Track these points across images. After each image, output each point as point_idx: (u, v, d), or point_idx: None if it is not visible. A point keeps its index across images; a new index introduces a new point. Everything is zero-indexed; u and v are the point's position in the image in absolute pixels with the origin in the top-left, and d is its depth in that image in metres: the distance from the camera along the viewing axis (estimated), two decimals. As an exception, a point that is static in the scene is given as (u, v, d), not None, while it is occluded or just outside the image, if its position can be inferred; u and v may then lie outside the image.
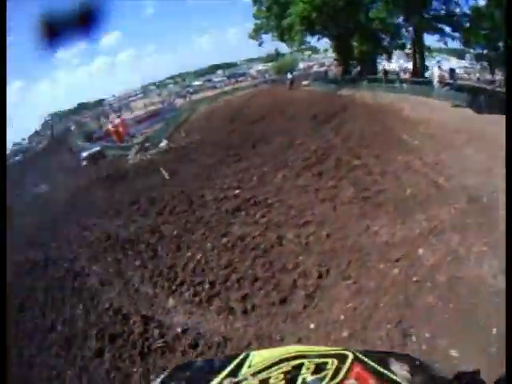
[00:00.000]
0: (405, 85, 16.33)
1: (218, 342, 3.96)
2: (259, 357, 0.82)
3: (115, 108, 28.88)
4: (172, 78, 35.82)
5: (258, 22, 21.95)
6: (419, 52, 18.36)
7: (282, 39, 21.13)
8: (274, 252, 5.33)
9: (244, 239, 5.78)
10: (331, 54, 26.47)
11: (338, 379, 0.68)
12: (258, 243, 5.57)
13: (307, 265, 4.93)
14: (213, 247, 5.72)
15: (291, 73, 24.39)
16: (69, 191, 11.17)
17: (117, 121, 17.58)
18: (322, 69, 26.41)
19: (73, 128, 23.29)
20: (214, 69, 34.80)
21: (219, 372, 0.78)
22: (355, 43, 19.78)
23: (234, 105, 18.74)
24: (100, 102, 32.90)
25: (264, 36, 22.69)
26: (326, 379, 0.69)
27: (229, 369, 0.78)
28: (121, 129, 16.89)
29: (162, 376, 0.88)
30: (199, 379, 0.80)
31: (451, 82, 14.88)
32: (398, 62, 22.23)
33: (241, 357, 0.82)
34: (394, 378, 0.70)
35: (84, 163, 14.50)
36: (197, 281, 4.99)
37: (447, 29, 17.01)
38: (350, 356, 0.76)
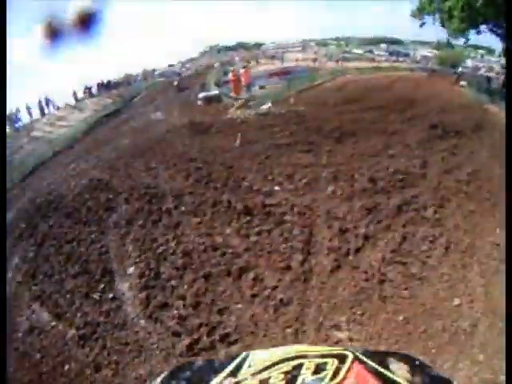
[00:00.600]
0: None
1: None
2: (259, 357, 0.82)
3: (269, 55, 29.24)
4: (336, 39, 34.87)
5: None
6: None
7: (442, 24, 18.53)
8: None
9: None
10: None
11: (338, 379, 0.69)
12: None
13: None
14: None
15: (457, 67, 22.85)
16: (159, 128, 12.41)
17: (241, 71, 17.95)
18: (490, 74, 23.09)
19: (216, 65, 25.15)
20: (380, 41, 33.26)
21: (219, 372, 0.78)
22: None
23: (369, 85, 17.54)
24: (258, 46, 33.74)
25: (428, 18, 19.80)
26: (326, 379, 0.69)
27: (229, 369, 0.79)
28: (243, 79, 17.21)
29: (162, 376, 0.87)
30: (199, 379, 0.80)
31: None
32: None
33: (241, 357, 0.82)
34: (394, 377, 0.70)
35: (199, 102, 15.93)
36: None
37: None
38: (350, 356, 0.75)
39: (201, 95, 16.60)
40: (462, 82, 19.35)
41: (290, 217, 6.70)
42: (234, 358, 0.82)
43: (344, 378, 0.69)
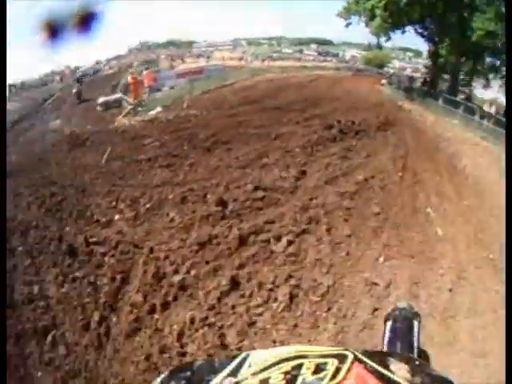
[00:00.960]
0: (486, 121, 12.49)
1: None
2: (259, 357, 0.81)
3: (197, 53, 27.90)
4: (269, 39, 33.33)
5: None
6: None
7: (366, 24, 17.74)
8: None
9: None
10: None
11: (337, 379, 0.68)
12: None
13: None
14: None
15: (383, 68, 23.50)
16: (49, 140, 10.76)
17: (144, 73, 16.15)
18: (416, 74, 23.58)
19: (135, 64, 22.57)
20: (311, 42, 32.03)
21: (219, 372, 0.78)
22: (444, 51, 15.69)
23: (284, 83, 16.02)
24: (190, 44, 31.46)
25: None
26: (326, 379, 0.68)
27: (229, 369, 0.79)
28: (146, 81, 15.20)
29: (162, 376, 0.89)
30: (199, 379, 0.80)
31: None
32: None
33: (241, 357, 0.82)
34: (394, 377, 0.70)
35: (98, 108, 13.85)
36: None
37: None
38: (350, 356, 0.75)
39: (100, 100, 14.37)
40: (383, 81, 18.61)
41: (110, 258, 5.29)
42: (233, 358, 0.83)
43: (344, 378, 0.69)
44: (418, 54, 27.21)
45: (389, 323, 1.80)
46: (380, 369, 0.72)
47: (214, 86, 15.69)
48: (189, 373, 0.86)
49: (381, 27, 16.06)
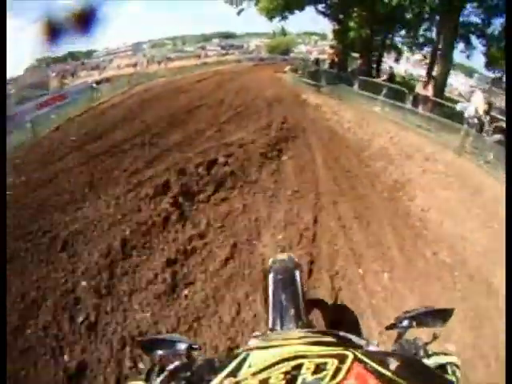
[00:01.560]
0: (421, 109, 9.54)
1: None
2: (259, 357, 0.79)
3: (94, 64, 24.68)
4: (173, 39, 31.47)
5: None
6: (443, 61, 12.09)
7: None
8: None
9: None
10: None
11: (337, 379, 0.67)
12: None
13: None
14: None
15: (288, 54, 23.16)
16: None
17: None
18: (322, 56, 21.94)
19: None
20: (216, 37, 31.23)
21: (219, 372, 0.77)
22: (352, 24, 13.06)
23: (166, 90, 13.37)
24: (90, 54, 28.17)
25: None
26: (326, 379, 0.68)
27: (229, 369, 0.77)
28: None
29: (162, 376, 0.89)
30: (199, 379, 0.80)
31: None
32: (405, 66, 15.53)
33: (241, 357, 0.80)
34: (394, 377, 0.69)
35: None
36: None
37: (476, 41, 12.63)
38: (350, 356, 0.74)
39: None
40: (286, 68, 17.62)
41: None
42: (233, 358, 0.81)
43: (344, 378, 0.68)
44: (323, 36, 26.49)
45: (271, 275, 1.73)
46: (380, 369, 0.71)
47: (79, 110, 11.81)
48: (189, 373, 0.86)
49: (267, 8, 14.94)
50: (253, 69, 18.99)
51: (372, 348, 0.99)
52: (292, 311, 1.54)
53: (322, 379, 0.69)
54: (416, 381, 0.71)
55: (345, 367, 0.71)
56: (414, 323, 1.11)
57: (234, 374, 0.76)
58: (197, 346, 1.12)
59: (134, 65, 22.18)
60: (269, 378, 0.71)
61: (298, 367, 0.73)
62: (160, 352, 1.11)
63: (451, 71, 13.79)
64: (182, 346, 1.10)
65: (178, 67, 20.74)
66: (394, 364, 0.74)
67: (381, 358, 0.77)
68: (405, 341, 1.06)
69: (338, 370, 0.70)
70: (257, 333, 1.52)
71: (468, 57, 13.13)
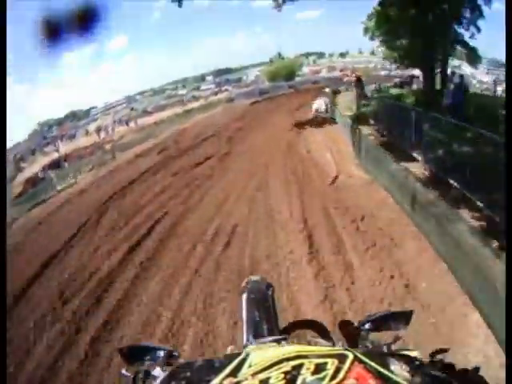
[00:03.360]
0: None
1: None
2: (259, 357, 0.79)
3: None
4: (174, 83, 30.52)
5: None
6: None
7: None
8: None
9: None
10: (339, 59, 23.29)
11: (338, 379, 0.65)
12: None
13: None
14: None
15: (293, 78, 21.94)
16: None
17: None
18: (337, 74, 22.64)
19: None
20: (212, 74, 30.10)
21: (219, 372, 0.74)
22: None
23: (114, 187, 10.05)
24: (88, 111, 27.81)
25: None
26: (326, 379, 0.66)
27: (229, 369, 0.75)
28: None
29: (162, 376, 0.88)
30: (199, 379, 0.78)
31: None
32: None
33: (241, 357, 0.80)
34: (394, 378, 0.67)
35: None
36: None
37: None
38: (350, 356, 0.73)
39: None
40: (317, 104, 14.18)
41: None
42: (234, 358, 0.80)
43: (344, 378, 0.66)
44: (320, 55, 26.05)
45: (244, 295, 1.76)
46: (380, 369, 0.69)
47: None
48: (189, 373, 0.83)
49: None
50: (251, 112, 16.48)
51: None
52: (266, 326, 1.51)
53: (321, 379, 0.65)
54: (416, 381, 0.69)
55: (345, 367, 0.68)
56: (376, 327, 1.13)
57: (234, 374, 0.73)
58: (176, 354, 1.15)
59: (98, 130, 20.67)
60: (269, 378, 0.68)
61: (298, 367, 0.70)
62: (141, 360, 1.13)
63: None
64: (161, 353, 1.13)
65: (149, 124, 18.92)
66: (394, 364, 0.72)
67: (381, 358, 0.75)
68: (370, 341, 1.09)
69: (337, 370, 0.67)
70: (231, 347, 1.45)
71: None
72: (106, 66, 31.81)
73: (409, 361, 0.76)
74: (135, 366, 1.09)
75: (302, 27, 27.15)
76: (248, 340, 1.45)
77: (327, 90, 16.29)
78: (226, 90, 23.91)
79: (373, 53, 23.72)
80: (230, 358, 0.81)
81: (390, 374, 0.68)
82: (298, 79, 22.85)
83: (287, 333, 1.66)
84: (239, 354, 0.82)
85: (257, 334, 1.47)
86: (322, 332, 1.73)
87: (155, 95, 28.91)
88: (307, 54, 25.73)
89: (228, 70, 29.01)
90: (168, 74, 31.59)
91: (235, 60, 29.44)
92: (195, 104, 21.34)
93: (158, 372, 1.00)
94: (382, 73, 20.87)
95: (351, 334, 1.20)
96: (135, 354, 1.16)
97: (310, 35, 27.26)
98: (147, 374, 1.02)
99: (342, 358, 0.72)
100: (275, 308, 1.72)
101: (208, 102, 20.98)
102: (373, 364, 0.70)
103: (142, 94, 29.91)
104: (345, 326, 1.58)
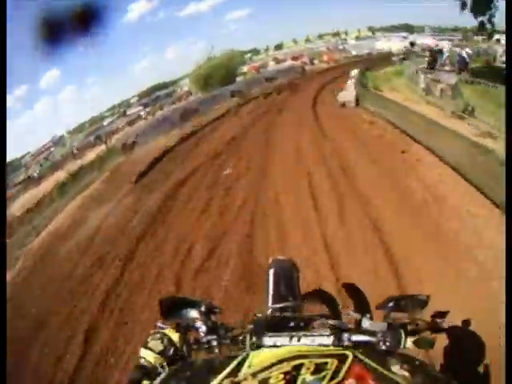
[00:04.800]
0: None
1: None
2: (259, 357, 0.78)
3: None
4: (112, 109, 25.78)
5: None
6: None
7: None
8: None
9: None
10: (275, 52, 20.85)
11: (337, 379, 0.66)
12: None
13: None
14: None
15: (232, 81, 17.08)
16: None
17: None
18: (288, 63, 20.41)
19: None
20: (146, 93, 24.91)
21: (219, 372, 0.74)
22: None
23: None
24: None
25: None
26: (326, 379, 0.66)
27: (229, 369, 0.75)
28: None
29: (162, 376, 0.86)
30: (199, 379, 0.77)
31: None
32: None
33: (241, 357, 0.79)
34: (394, 378, 0.68)
35: None
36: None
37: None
38: (350, 356, 0.73)
39: None
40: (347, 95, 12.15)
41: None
42: (233, 358, 0.79)
43: (344, 378, 0.66)
44: (255, 52, 23.18)
45: (271, 270, 1.80)
46: (380, 369, 0.69)
47: None
48: (189, 373, 0.83)
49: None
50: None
51: (367, 323, 1.04)
52: (291, 300, 1.54)
53: (321, 379, 0.65)
54: (416, 381, 0.69)
55: (345, 367, 0.68)
56: (397, 306, 1.13)
57: (234, 374, 0.72)
58: (217, 310, 1.15)
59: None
60: (269, 377, 0.67)
61: (298, 367, 0.69)
62: (180, 313, 1.13)
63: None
64: (203, 308, 1.13)
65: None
66: (394, 364, 0.72)
67: (381, 358, 0.74)
68: (391, 319, 1.08)
69: (337, 370, 0.67)
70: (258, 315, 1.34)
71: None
72: (42, 105, 27.12)
73: (409, 361, 0.75)
74: (173, 318, 1.10)
75: (233, 27, 23.97)
76: (273, 304, 1.50)
77: (354, 72, 14.07)
78: (145, 117, 18.88)
79: (308, 40, 23.57)
80: (230, 358, 0.79)
81: (390, 374, 0.67)
82: (240, 80, 18.85)
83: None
84: (239, 354, 0.80)
85: (281, 302, 1.49)
86: (331, 302, 1.87)
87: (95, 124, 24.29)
88: (242, 53, 22.87)
89: (164, 85, 25.62)
90: (105, 101, 27.26)
91: (169, 75, 25.97)
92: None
93: (200, 325, 1.04)
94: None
95: (359, 299, 1.39)
96: (174, 307, 1.15)
97: (243, 34, 24.25)
98: (188, 327, 1.05)
99: (342, 358, 0.71)
100: (299, 287, 1.73)
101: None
102: (373, 364, 0.70)
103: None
104: (350, 288, 1.87)
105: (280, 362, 0.72)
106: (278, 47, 24.66)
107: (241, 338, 1.02)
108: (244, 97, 15.53)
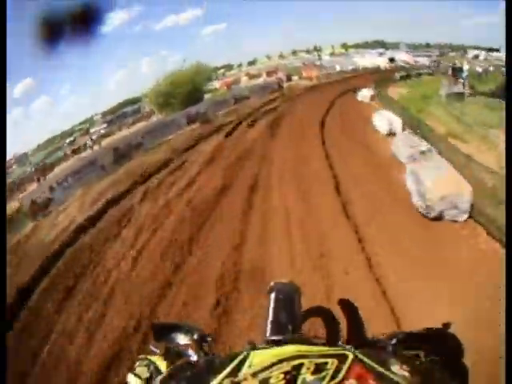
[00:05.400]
0: None
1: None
2: (259, 357, 0.76)
3: None
4: (84, 123, 23.41)
5: None
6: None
7: None
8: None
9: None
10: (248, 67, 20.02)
11: (337, 379, 0.64)
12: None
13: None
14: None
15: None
16: None
17: None
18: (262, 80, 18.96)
19: None
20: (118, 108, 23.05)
21: (219, 372, 0.72)
22: None
23: None
24: None
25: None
26: (326, 379, 0.64)
27: (229, 369, 0.73)
28: None
29: (162, 376, 0.87)
30: (199, 379, 0.77)
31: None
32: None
33: (241, 357, 0.77)
34: (394, 378, 0.66)
35: None
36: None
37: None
38: (350, 356, 0.71)
39: None
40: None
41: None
42: (233, 358, 0.77)
43: (344, 378, 0.65)
44: (229, 67, 22.12)
45: (273, 294, 1.70)
46: (380, 369, 0.67)
47: None
48: (189, 373, 0.82)
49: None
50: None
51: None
52: (290, 329, 1.45)
53: (321, 379, 0.63)
54: (416, 381, 0.68)
55: (345, 367, 0.66)
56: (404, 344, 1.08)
57: (234, 373, 0.70)
58: (210, 339, 1.13)
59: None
60: (269, 377, 0.66)
61: (298, 367, 0.67)
62: (172, 338, 1.13)
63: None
64: (196, 336, 1.12)
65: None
66: (394, 364, 0.70)
67: (381, 358, 0.73)
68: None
69: (338, 370, 0.65)
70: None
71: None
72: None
73: (409, 361, 0.74)
74: (164, 341, 1.11)
75: (208, 41, 23.15)
76: (271, 335, 1.42)
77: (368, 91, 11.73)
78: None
79: (282, 56, 23.11)
80: (230, 358, 0.77)
81: (390, 374, 0.67)
82: (207, 98, 17.10)
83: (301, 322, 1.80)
84: (239, 354, 0.77)
85: (280, 333, 1.43)
86: (332, 322, 1.76)
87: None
88: (216, 69, 21.84)
89: (134, 101, 23.85)
90: (77, 115, 25.38)
91: (143, 89, 24.93)
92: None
93: (191, 353, 1.03)
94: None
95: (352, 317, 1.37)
96: (168, 332, 1.15)
97: (217, 48, 23.64)
98: (178, 354, 1.05)
99: (342, 358, 0.70)
100: (300, 312, 1.67)
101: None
102: (373, 364, 0.69)
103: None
104: (346, 306, 1.71)
105: (280, 361, 0.70)
106: (252, 63, 23.69)
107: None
108: (207, 120, 13.00)
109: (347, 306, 2.13)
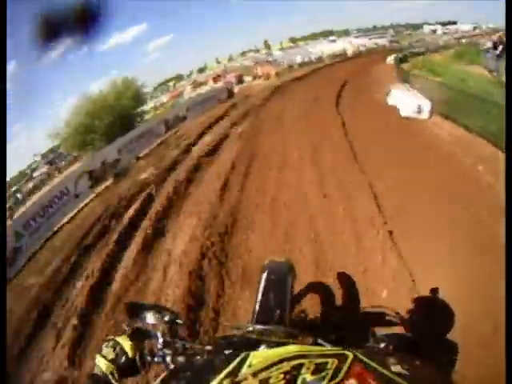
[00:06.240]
0: None
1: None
2: (259, 357, 0.75)
3: None
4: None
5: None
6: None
7: None
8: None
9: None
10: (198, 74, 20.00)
11: (337, 379, 0.63)
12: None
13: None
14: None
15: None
16: None
17: None
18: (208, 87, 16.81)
19: None
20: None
21: (219, 372, 0.71)
22: None
23: None
24: None
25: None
26: (326, 379, 0.64)
27: (229, 369, 0.72)
28: None
29: (162, 376, 0.85)
30: (199, 379, 0.76)
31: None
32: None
33: (241, 357, 0.76)
34: (394, 378, 0.65)
35: None
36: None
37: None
38: (350, 356, 0.71)
39: None
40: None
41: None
42: (233, 358, 0.76)
43: (344, 378, 0.64)
44: (179, 77, 22.17)
45: (264, 274, 1.68)
46: (380, 369, 0.66)
47: None
48: (189, 373, 0.81)
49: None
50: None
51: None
52: (277, 313, 1.47)
53: (321, 379, 0.63)
54: (416, 381, 0.68)
55: (345, 367, 0.66)
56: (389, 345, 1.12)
57: (234, 373, 0.69)
58: (180, 322, 1.13)
59: None
60: (269, 377, 0.65)
61: (298, 367, 0.67)
62: (143, 317, 1.11)
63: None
64: (167, 317, 1.11)
65: None
66: (394, 364, 0.69)
67: (381, 357, 0.73)
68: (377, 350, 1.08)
69: (337, 370, 0.65)
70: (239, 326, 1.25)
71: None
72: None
73: (409, 361, 0.74)
74: (136, 320, 1.09)
75: (155, 56, 22.78)
76: (256, 321, 1.40)
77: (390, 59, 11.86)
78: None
79: (231, 58, 23.42)
80: (230, 358, 0.76)
81: (390, 374, 0.66)
82: (149, 118, 14.68)
83: (300, 298, 1.75)
84: (239, 354, 0.77)
85: (266, 319, 1.41)
86: (329, 297, 1.72)
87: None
88: (166, 81, 22.29)
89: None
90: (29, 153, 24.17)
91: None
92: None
93: (159, 335, 1.02)
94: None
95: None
96: (141, 311, 1.13)
97: (166, 61, 23.25)
98: (145, 335, 1.04)
99: (342, 358, 0.69)
100: (292, 294, 1.64)
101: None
102: (373, 364, 0.68)
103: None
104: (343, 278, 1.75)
105: (280, 361, 0.70)
106: (201, 70, 22.31)
107: (197, 358, 0.99)
108: (120, 178, 8.95)
109: (345, 279, 2.23)
